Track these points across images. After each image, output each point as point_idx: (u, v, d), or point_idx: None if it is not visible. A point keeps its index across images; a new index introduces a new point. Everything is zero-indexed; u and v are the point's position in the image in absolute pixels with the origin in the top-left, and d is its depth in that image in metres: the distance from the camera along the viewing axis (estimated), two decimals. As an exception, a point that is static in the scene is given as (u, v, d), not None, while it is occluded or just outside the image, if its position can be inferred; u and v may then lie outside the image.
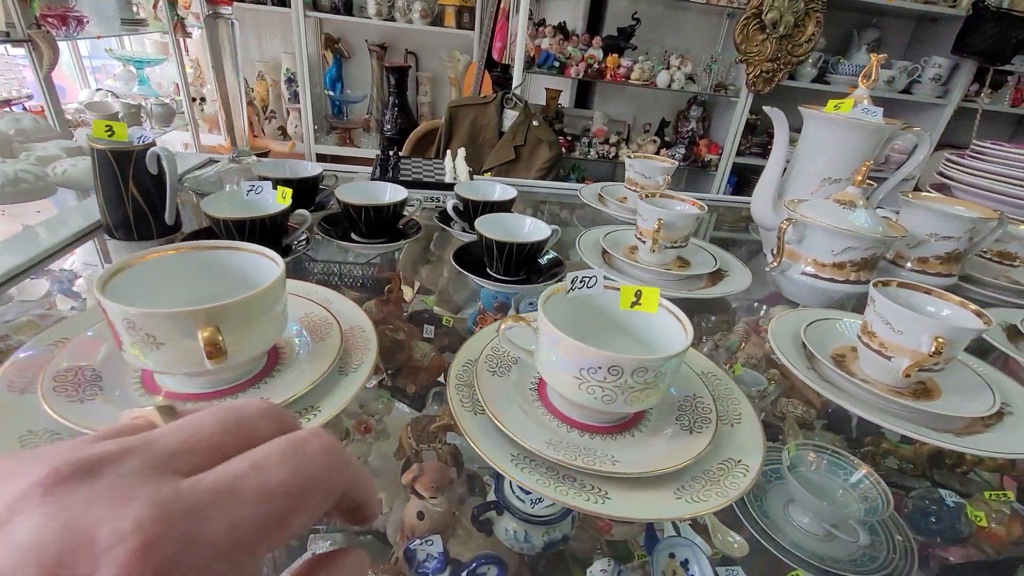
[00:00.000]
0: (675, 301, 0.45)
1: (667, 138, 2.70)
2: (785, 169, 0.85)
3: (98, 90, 2.27)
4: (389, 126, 2.74)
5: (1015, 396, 0.54)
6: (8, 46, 1.59)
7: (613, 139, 2.59)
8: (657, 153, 2.56)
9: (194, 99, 2.62)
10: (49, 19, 1.62)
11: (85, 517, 0.13)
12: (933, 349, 0.47)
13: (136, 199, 0.61)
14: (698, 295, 0.72)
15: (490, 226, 0.67)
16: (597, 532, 0.57)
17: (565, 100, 2.67)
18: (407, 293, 0.71)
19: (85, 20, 1.77)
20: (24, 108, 1.89)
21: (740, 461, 0.42)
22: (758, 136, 2.64)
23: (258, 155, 0.91)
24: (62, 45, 2.32)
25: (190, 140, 2.59)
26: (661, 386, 0.39)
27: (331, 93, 2.86)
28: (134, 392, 0.39)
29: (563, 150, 2.40)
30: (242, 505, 0.14)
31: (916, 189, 1.28)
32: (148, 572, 0.12)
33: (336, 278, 0.71)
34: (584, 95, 2.78)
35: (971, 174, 1.03)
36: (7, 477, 0.14)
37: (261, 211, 0.61)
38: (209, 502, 0.14)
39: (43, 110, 1.70)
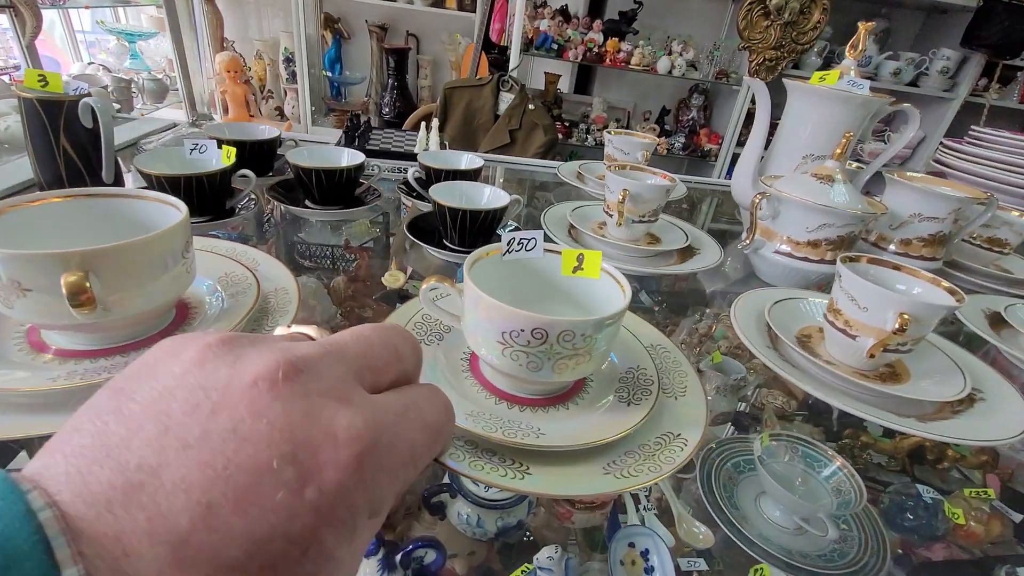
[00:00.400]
0: (645, 278, 0.41)
1: (667, 127, 2.64)
2: (768, 147, 0.81)
3: (90, 64, 2.24)
4: (388, 109, 2.71)
5: (990, 383, 0.50)
6: (-10, 12, 1.56)
7: (612, 126, 2.54)
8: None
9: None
10: (33, -14, 1.59)
11: (323, 411, 0.15)
12: (897, 326, 0.43)
13: (69, 154, 0.58)
14: (666, 271, 0.68)
15: (446, 193, 0.64)
16: (558, 519, 0.54)
17: (565, 85, 2.62)
18: (399, 279, 0.68)
19: (72, -11, 1.73)
20: (10, 78, 1.87)
21: (679, 435, 0.39)
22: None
23: None
24: (55, 16, 2.29)
25: (184, 117, 2.56)
26: (594, 353, 0.36)
27: (330, 74, 2.82)
28: (15, 350, 0.36)
29: (559, 135, 2.35)
30: (415, 429, 0.17)
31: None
32: (367, 467, 0.15)
33: (313, 251, 0.68)
34: (584, 81, 2.72)
35: (967, 160, 0.98)
36: (182, 349, 0.15)
37: (199, 170, 0.58)
38: (398, 421, 0.17)
39: (28, 80, 1.67)
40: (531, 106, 2.01)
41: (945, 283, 0.48)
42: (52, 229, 0.38)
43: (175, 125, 0.86)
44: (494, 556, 0.50)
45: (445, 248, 0.64)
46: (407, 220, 0.67)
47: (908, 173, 0.73)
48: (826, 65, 2.43)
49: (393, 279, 0.64)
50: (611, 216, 0.69)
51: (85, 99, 0.57)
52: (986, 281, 0.76)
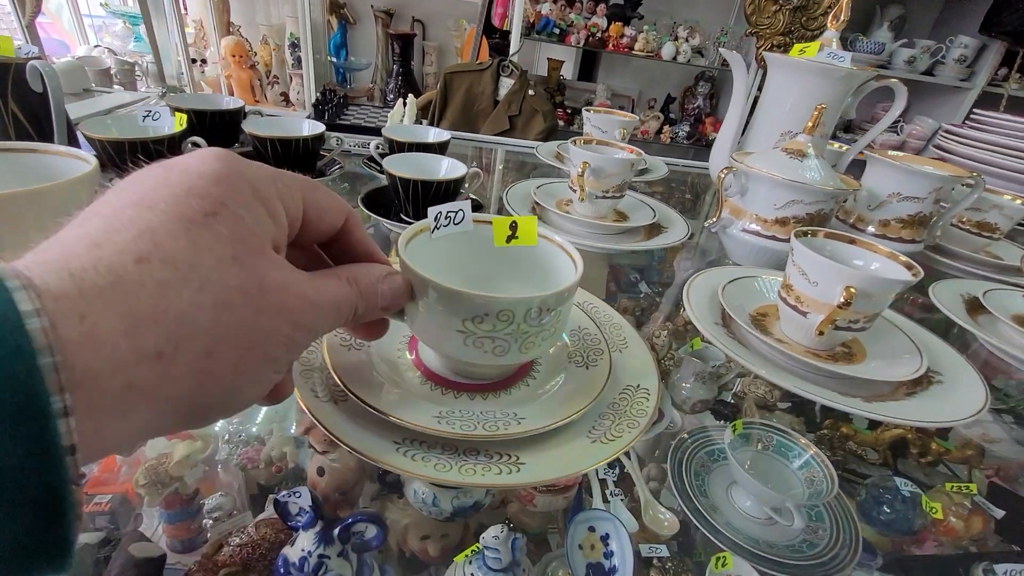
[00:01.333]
0: (645, 269, 0.39)
1: (672, 115, 2.59)
2: (748, 123, 0.78)
3: (96, 46, 2.26)
4: (392, 95, 2.70)
5: (951, 366, 0.48)
6: (-9, -8, 1.57)
7: (616, 114, 2.50)
8: (660, 130, 2.46)
9: (194, 60, 2.60)
10: (34, -34, 1.60)
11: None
12: (843, 299, 0.41)
13: (18, 118, 0.58)
14: (632, 247, 0.66)
15: (400, 164, 0.62)
16: (519, 501, 0.53)
17: (568, 72, 2.58)
18: None
19: (73, -31, 1.74)
20: (14, 59, 1.89)
21: (639, 386, 0.38)
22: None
23: None
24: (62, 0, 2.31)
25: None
26: (559, 325, 0.33)
27: (335, 60, 2.81)
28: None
29: (561, 121, 2.32)
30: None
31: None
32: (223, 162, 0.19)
33: None
34: (588, 67, 2.68)
35: (967, 145, 0.94)
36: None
37: (149, 135, 0.57)
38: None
39: (29, 60, 1.69)
40: (531, 92, 1.98)
41: (903, 258, 0.45)
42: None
43: (146, 98, 0.86)
44: (469, 539, 0.48)
45: (401, 221, 0.63)
46: (363, 193, 0.66)
47: (889, 152, 0.69)
48: (838, 53, 2.36)
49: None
50: (575, 192, 0.67)
51: (32, 62, 0.57)
52: (973, 267, 0.72)
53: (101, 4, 2.21)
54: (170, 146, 0.59)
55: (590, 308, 0.47)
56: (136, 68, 2.17)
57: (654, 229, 0.69)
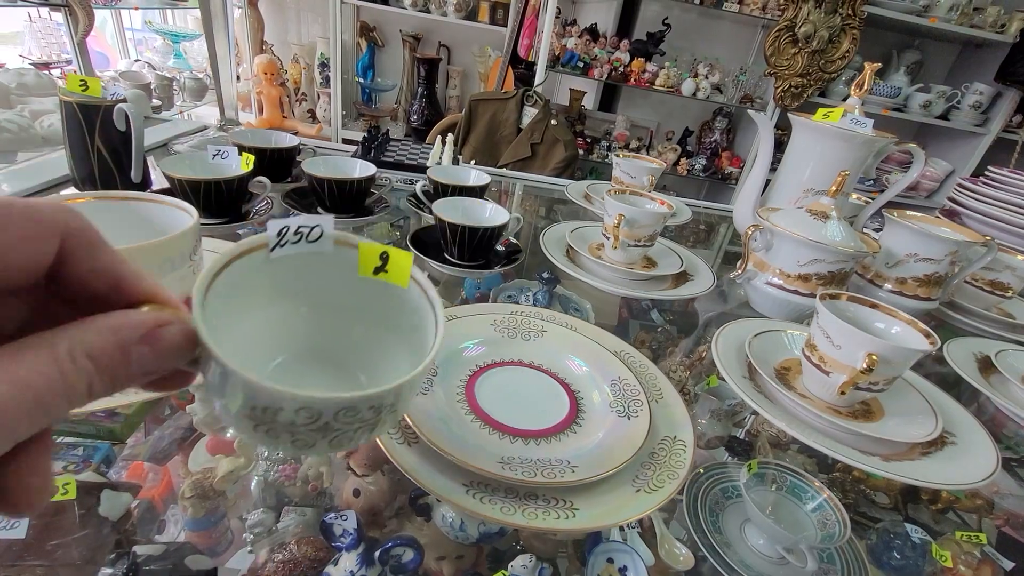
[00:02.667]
0: (671, 317, 0.42)
1: (689, 148, 2.65)
2: (772, 178, 0.82)
3: (136, 61, 2.36)
4: (416, 116, 2.78)
5: (964, 427, 0.51)
6: (48, 10, 1.66)
7: (634, 144, 2.55)
8: (677, 162, 2.52)
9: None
10: (89, -13, 1.69)
11: None
12: (865, 366, 0.44)
13: (102, 154, 0.63)
14: (659, 295, 0.70)
15: (448, 209, 0.67)
16: (540, 530, 0.56)
17: (589, 102, 2.65)
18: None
19: (124, -9, 1.83)
20: (62, 72, 1.98)
21: (676, 437, 0.42)
22: (783, 152, 2.57)
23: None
24: (107, 15, 2.41)
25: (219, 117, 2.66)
26: (392, 418, 0.25)
27: (362, 80, 2.90)
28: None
29: (580, 151, 2.38)
30: None
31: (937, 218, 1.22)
32: None
33: None
34: (609, 99, 2.75)
35: (981, 201, 0.98)
36: None
37: (220, 175, 0.62)
38: None
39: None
40: (553, 121, 2.04)
41: (921, 326, 0.48)
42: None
43: (205, 128, 0.91)
44: (483, 561, 0.52)
45: (447, 263, 0.67)
46: (410, 233, 0.70)
47: (908, 213, 0.73)
48: (854, 94, 2.41)
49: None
50: (608, 239, 0.71)
51: (120, 104, 0.62)
52: (986, 324, 0.76)
53: (146, 22, 2.30)
54: (239, 185, 0.64)
55: (626, 357, 0.51)
56: (174, 83, 2.26)
57: (681, 277, 0.73)
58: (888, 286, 0.72)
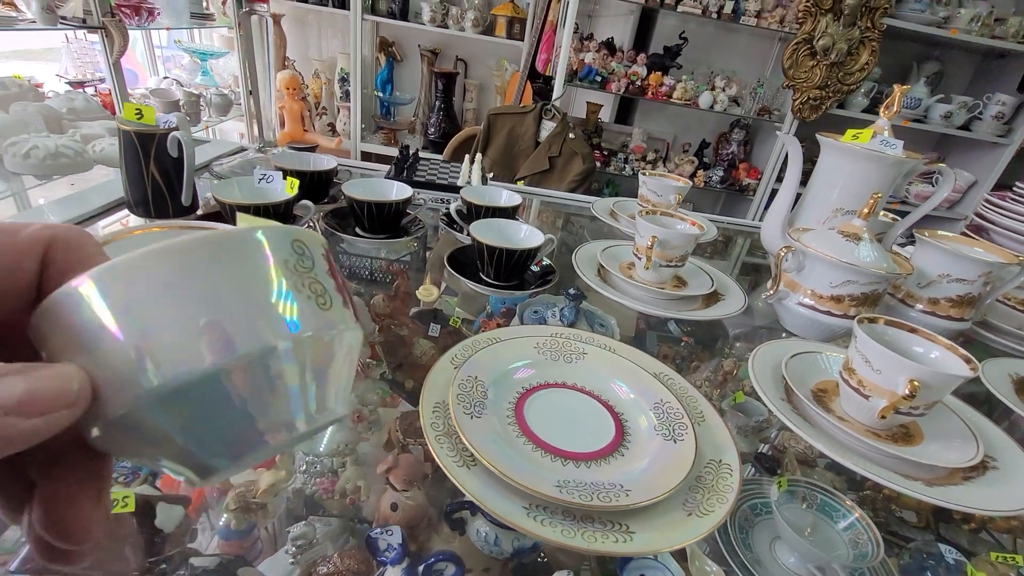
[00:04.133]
0: (689, 328, 0.42)
1: (706, 159, 2.65)
2: (800, 196, 0.83)
3: (165, 78, 2.43)
4: (433, 129, 2.82)
5: (1005, 452, 0.51)
6: (84, 32, 1.72)
7: (651, 156, 2.57)
8: (694, 174, 2.52)
9: (251, 92, 2.76)
10: (123, 9, 1.75)
11: None
12: (907, 392, 0.45)
13: (156, 179, 0.66)
14: (691, 316, 0.71)
15: (485, 230, 0.68)
16: (601, 553, 0.57)
17: (606, 115, 2.67)
18: (432, 293, 0.73)
19: (156, 12, 1.90)
20: (95, 90, 2.04)
21: (721, 461, 0.43)
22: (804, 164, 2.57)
23: (306, 149, 0.95)
24: (137, 34, 2.49)
25: (245, 130, 2.72)
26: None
27: (380, 94, 2.96)
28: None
29: (597, 164, 2.39)
30: None
31: (965, 233, 1.22)
32: None
33: (359, 271, 0.74)
34: (625, 111, 2.77)
35: (1010, 217, 0.97)
36: None
37: (267, 199, 0.64)
38: None
39: (110, 93, 1.83)
40: (571, 135, 2.06)
41: (961, 351, 0.49)
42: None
43: (243, 149, 0.94)
44: (507, 574, 0.53)
45: (482, 282, 0.69)
46: (447, 252, 0.72)
47: (939, 233, 0.74)
48: (873, 106, 2.40)
49: (427, 293, 0.69)
50: (640, 259, 0.72)
51: (173, 133, 0.65)
52: (1018, 343, 0.75)
53: (175, 41, 2.37)
54: (285, 208, 0.66)
55: (666, 379, 0.52)
56: (201, 100, 2.32)
57: (711, 297, 0.74)
58: (920, 306, 0.72)
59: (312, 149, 2.98)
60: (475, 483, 0.37)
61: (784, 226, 0.79)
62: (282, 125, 2.82)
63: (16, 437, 0.13)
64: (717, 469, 0.42)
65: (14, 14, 1.45)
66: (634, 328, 0.77)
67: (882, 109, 0.74)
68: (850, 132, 0.75)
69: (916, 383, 0.44)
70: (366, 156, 2.89)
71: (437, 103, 2.76)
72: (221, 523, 0.56)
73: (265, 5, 0.74)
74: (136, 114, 0.65)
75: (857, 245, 0.65)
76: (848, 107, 2.35)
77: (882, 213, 0.91)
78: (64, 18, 1.60)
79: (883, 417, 0.48)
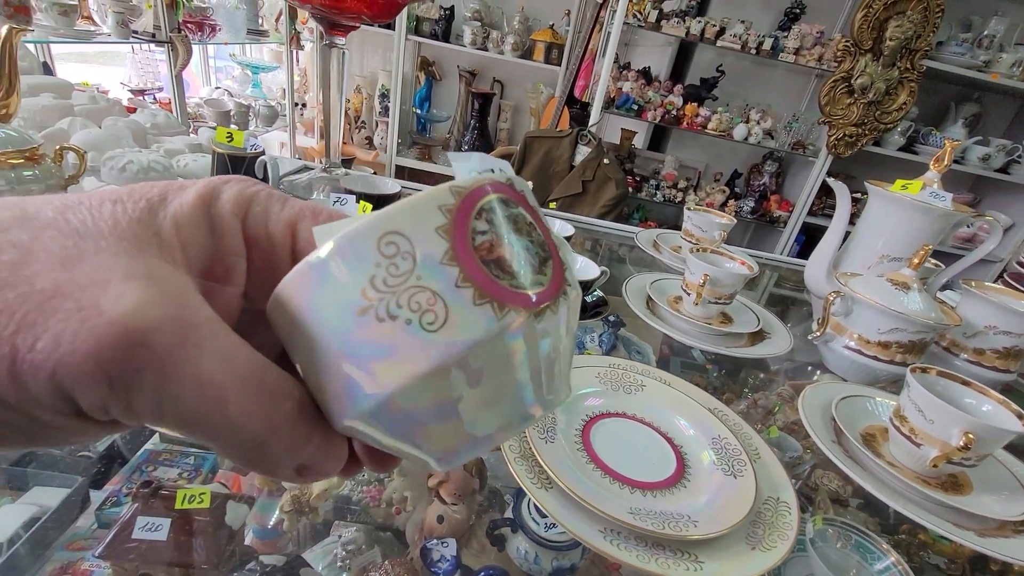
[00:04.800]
0: (713, 356, 0.45)
1: (737, 189, 2.67)
2: (846, 237, 0.85)
3: (216, 88, 2.54)
4: (467, 147, 2.89)
5: (1055, 507, 0.52)
6: (152, 45, 1.82)
7: (682, 184, 2.59)
8: (725, 203, 2.54)
9: (296, 104, 2.86)
10: (189, 25, 1.85)
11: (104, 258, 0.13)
12: (962, 444, 0.47)
13: (242, 197, 0.71)
14: (736, 353, 0.73)
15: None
16: (606, 568, 0.59)
17: (639, 141, 2.71)
18: None
19: (218, 28, 2.00)
20: (155, 98, 2.15)
21: (779, 499, 0.45)
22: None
23: (344, 161, 1.00)
24: (194, 47, 2.62)
25: (287, 140, 2.83)
26: None
27: (418, 111, 3.04)
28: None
29: (629, 189, 2.43)
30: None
31: (1001, 277, 1.22)
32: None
33: None
34: (658, 138, 2.81)
35: (1054, 269, 0.98)
36: None
37: (343, 220, 0.69)
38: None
39: (170, 101, 1.93)
40: (606, 160, 2.11)
41: (1014, 406, 0.51)
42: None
43: (308, 168, 1.00)
44: None
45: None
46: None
47: (985, 284, 0.75)
48: (909, 144, 2.40)
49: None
50: (689, 295, 0.75)
51: (261, 157, 0.70)
52: (1064, 399, 0.76)
53: (230, 55, 2.49)
54: (358, 231, 0.71)
55: (721, 415, 0.54)
56: (249, 111, 2.42)
57: (757, 335, 0.76)
58: (965, 355, 0.74)
59: (350, 162, 3.06)
60: (553, 504, 0.39)
61: (830, 268, 0.81)
62: (322, 137, 2.92)
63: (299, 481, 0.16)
64: (775, 506, 0.44)
65: (92, 28, 1.55)
66: (658, 352, 0.80)
67: (932, 162, 0.76)
68: (900, 182, 0.77)
69: (971, 435, 0.46)
70: (400, 170, 2.97)
71: (472, 122, 2.83)
72: (254, 521, 0.59)
73: (343, 38, 0.80)
74: (227, 137, 0.70)
75: (906, 294, 0.67)
76: (884, 145, 2.36)
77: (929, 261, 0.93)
78: (136, 32, 1.70)
79: (935, 466, 0.49)
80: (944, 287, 0.95)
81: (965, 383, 0.54)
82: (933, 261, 0.91)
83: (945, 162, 0.75)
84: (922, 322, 0.64)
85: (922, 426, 0.51)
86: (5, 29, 0.65)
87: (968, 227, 2.42)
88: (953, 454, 0.48)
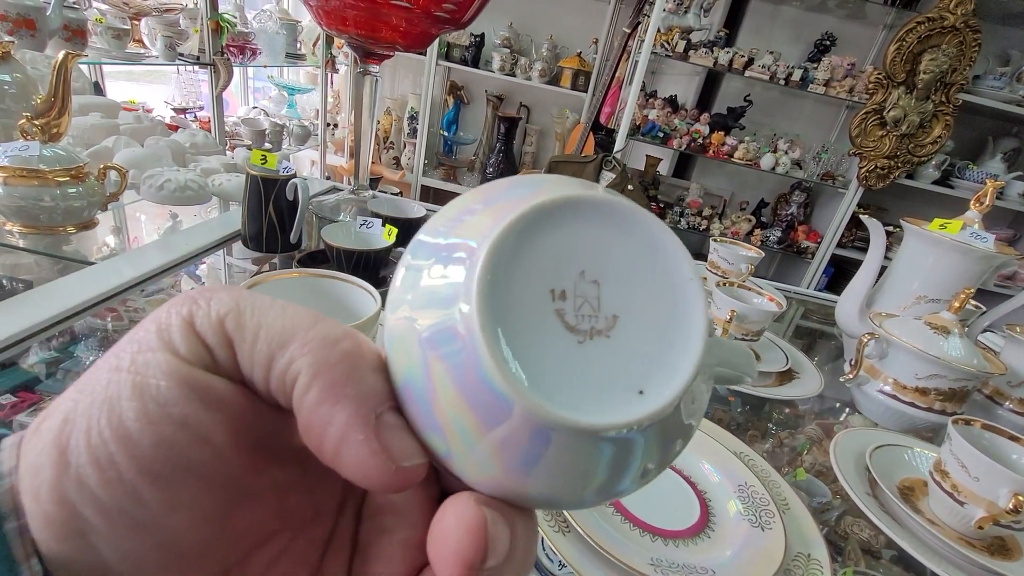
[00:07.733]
0: (741, 395, 0.44)
1: (764, 219, 2.63)
2: (880, 276, 0.82)
3: (253, 108, 2.63)
4: (491, 169, 2.93)
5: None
6: (196, 67, 1.90)
7: (707, 212, 2.57)
8: (751, 232, 2.50)
9: (328, 124, 2.94)
10: (231, 48, 1.92)
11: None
12: (1011, 506, 0.44)
13: (271, 218, 0.72)
14: (764, 393, 0.71)
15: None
16: None
17: (664, 168, 2.70)
18: None
19: (258, 51, 2.08)
20: (195, 116, 2.23)
21: (810, 556, 0.42)
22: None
23: (371, 180, 1.01)
24: (235, 69, 2.73)
25: (317, 158, 2.90)
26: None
27: (445, 133, 3.10)
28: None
29: (654, 216, 2.41)
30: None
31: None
32: None
33: None
34: (684, 165, 2.80)
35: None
36: None
37: (370, 245, 0.69)
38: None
39: (210, 120, 2.00)
40: (630, 187, 2.10)
41: (1066, 466, 0.47)
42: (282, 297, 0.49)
43: (336, 189, 1.02)
44: None
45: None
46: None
47: (1031, 331, 0.72)
48: (944, 178, 2.34)
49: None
50: (716, 329, 0.73)
51: (292, 180, 0.71)
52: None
53: (268, 77, 2.58)
54: (384, 254, 0.71)
55: (747, 460, 0.52)
56: (284, 130, 2.49)
57: (786, 375, 0.74)
58: (1009, 405, 0.70)
59: (377, 181, 3.11)
60: (571, 551, 0.38)
61: (863, 307, 0.78)
62: (351, 156, 2.99)
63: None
64: (806, 564, 0.42)
65: (143, 51, 1.63)
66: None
67: (973, 202, 0.74)
68: (938, 221, 0.75)
69: (1021, 498, 0.43)
70: (425, 190, 3.01)
71: (498, 145, 2.87)
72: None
73: (377, 66, 0.82)
74: (261, 159, 0.72)
75: (946, 339, 0.64)
76: (918, 178, 2.31)
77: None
78: (182, 55, 1.77)
79: (980, 528, 0.46)
80: (985, 329, 0.91)
81: (1013, 438, 0.51)
82: (974, 302, 0.88)
83: (987, 202, 0.73)
84: (964, 370, 0.61)
85: (966, 483, 0.48)
86: (62, 55, 0.69)
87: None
88: (1001, 516, 0.45)
